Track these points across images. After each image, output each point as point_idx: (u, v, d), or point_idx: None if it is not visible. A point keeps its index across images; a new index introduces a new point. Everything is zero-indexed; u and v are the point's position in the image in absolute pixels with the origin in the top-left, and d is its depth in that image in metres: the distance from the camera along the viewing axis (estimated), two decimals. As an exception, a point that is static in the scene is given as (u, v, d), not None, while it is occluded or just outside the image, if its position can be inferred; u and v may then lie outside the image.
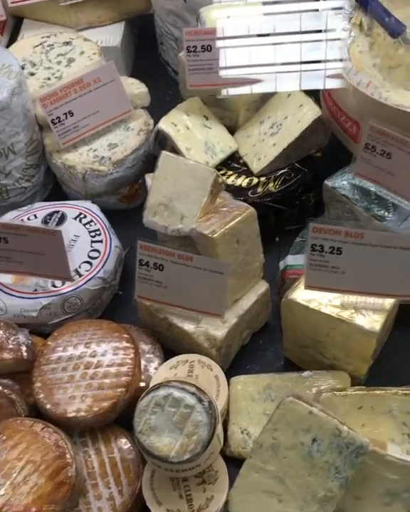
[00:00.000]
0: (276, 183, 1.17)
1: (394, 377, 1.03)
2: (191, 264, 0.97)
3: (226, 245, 0.98)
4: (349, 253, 0.87)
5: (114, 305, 1.20)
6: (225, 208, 1.01)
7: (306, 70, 1.17)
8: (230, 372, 1.07)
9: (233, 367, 1.09)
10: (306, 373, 1.01)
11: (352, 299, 0.92)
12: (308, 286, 0.92)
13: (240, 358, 1.11)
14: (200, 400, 0.87)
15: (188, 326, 1.03)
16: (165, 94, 1.48)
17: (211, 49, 1.12)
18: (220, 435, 0.92)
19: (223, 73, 1.16)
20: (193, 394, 0.87)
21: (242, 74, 1.17)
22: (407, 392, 0.93)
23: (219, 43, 1.16)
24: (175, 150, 1.18)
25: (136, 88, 1.30)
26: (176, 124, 1.19)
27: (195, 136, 1.19)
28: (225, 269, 0.95)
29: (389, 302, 0.92)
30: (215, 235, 0.96)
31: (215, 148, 1.20)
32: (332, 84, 1.16)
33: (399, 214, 0.99)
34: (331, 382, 0.99)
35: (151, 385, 1.00)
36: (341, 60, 1.15)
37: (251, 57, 1.16)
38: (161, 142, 1.20)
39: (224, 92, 1.18)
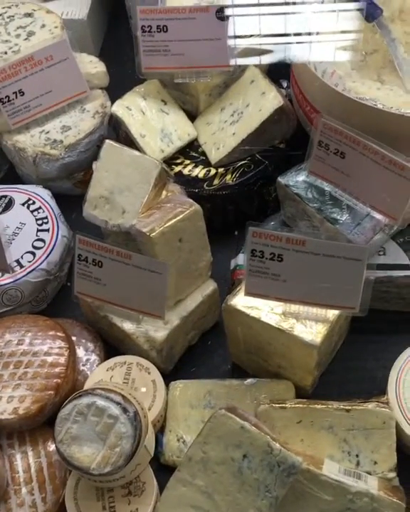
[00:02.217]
0: (234, 175, 1.11)
1: (343, 388, 0.99)
2: (130, 263, 0.91)
3: (166, 244, 0.92)
4: (290, 260, 0.81)
5: (62, 297, 1.14)
6: (170, 203, 0.95)
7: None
8: (174, 375, 1.03)
9: (178, 368, 1.04)
10: (249, 381, 0.96)
11: (294, 308, 0.86)
12: (248, 293, 0.86)
13: (186, 359, 1.05)
14: (125, 411, 0.82)
15: (128, 326, 0.98)
16: (134, 73, 1.40)
17: (167, 29, 1.04)
18: (149, 445, 0.87)
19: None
20: (118, 404, 0.82)
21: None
22: (349, 407, 0.87)
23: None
24: (129, 136, 1.11)
25: (93, 67, 1.22)
26: (131, 108, 1.12)
27: (150, 122, 1.12)
28: (164, 269, 0.90)
29: (333, 313, 0.86)
30: (153, 234, 0.90)
31: (172, 135, 1.13)
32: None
33: (353, 217, 0.92)
34: (274, 391, 0.94)
35: (85, 386, 0.96)
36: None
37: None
38: (116, 127, 1.13)
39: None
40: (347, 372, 1.01)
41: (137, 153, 0.95)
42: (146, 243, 0.92)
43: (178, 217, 0.91)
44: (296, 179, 0.97)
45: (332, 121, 0.86)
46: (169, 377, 1.01)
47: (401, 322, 1.04)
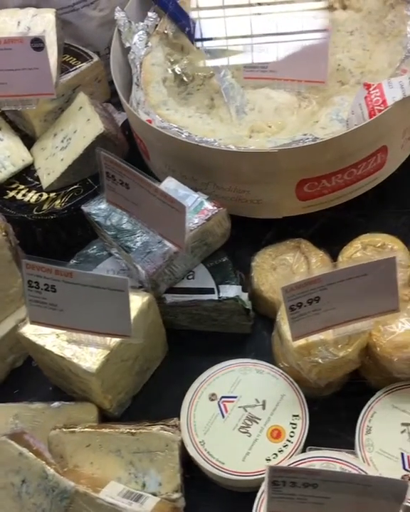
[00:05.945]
0: (63, 199, 1.13)
1: (156, 409, 1.01)
2: None
3: (-38, 273, 0.94)
4: (62, 291, 0.84)
5: None
6: (-27, 232, 0.97)
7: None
8: (-6, 398, 1.05)
9: (1, 391, 1.06)
10: (55, 404, 0.98)
11: (77, 335, 0.88)
12: (32, 322, 0.88)
13: (9, 382, 1.08)
14: None
15: None
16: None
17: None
18: None
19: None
20: None
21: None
22: (134, 431, 0.90)
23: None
24: (-39, 162, 1.14)
25: None
26: (-39, 135, 1.14)
27: (-19, 149, 1.15)
28: (-40, 298, 0.92)
29: (113, 340, 0.89)
30: None
31: (5, 161, 1.15)
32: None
33: (146, 245, 0.94)
34: (78, 414, 0.96)
35: None
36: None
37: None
38: None
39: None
40: (162, 393, 1.03)
41: None
42: None
43: (-28, 247, 0.94)
44: (98, 207, 1.00)
45: (110, 154, 0.89)
46: (-12, 401, 1.04)
47: (216, 342, 1.07)
